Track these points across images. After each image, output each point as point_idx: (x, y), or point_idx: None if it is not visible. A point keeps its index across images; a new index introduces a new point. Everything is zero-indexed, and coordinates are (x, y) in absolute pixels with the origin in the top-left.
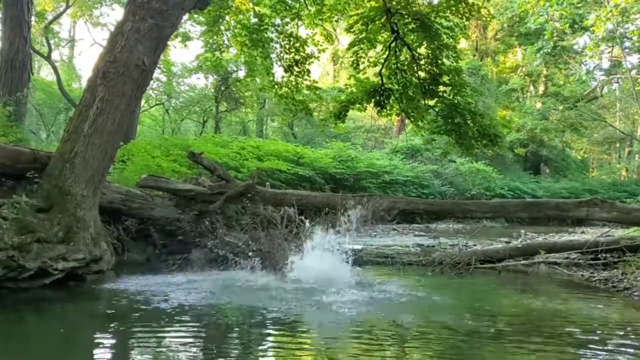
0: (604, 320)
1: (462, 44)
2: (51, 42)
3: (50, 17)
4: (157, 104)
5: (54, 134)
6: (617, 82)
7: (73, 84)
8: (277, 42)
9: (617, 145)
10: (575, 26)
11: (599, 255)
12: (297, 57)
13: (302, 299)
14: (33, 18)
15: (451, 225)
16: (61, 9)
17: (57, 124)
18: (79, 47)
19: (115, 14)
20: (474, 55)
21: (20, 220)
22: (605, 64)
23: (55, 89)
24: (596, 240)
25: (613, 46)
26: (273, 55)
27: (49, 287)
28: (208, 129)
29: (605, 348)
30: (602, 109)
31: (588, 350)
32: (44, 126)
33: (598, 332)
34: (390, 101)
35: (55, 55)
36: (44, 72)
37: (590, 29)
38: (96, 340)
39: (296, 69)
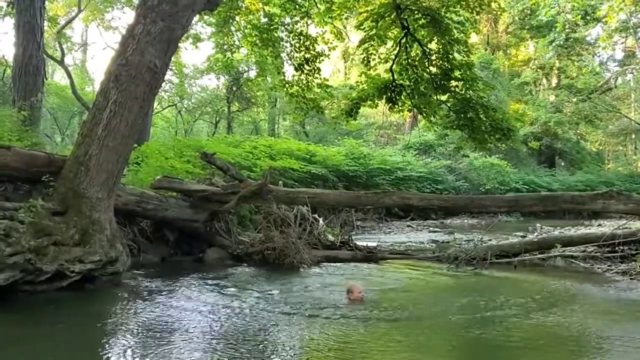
0: None
1: (473, 38)
2: (64, 46)
3: (62, 22)
4: (169, 106)
5: (68, 138)
6: (632, 73)
7: (86, 88)
8: (287, 41)
9: (633, 136)
10: (588, 17)
11: (617, 248)
12: (307, 55)
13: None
14: (46, 23)
15: (466, 221)
16: (73, 14)
17: (71, 127)
18: (91, 51)
19: (126, 17)
20: (486, 49)
21: (36, 223)
22: (619, 55)
23: (69, 93)
24: (613, 233)
25: (627, 37)
26: (283, 55)
27: (66, 289)
28: (220, 129)
29: None
30: (617, 100)
31: None
32: (59, 130)
33: None
34: (402, 97)
35: (68, 60)
36: (57, 77)
37: (603, 19)
38: (111, 342)
39: (307, 67)
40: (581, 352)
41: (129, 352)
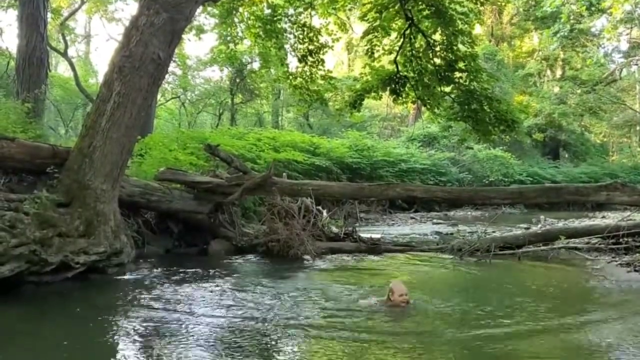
0: None
1: (478, 29)
2: (67, 38)
3: (65, 14)
4: (173, 98)
5: (72, 130)
6: (637, 64)
7: (90, 80)
8: (290, 33)
9: (638, 128)
10: (593, 8)
11: (621, 240)
12: (311, 47)
13: None
14: (49, 15)
15: (470, 213)
16: (76, 5)
17: (75, 119)
18: (94, 42)
19: (129, 9)
20: (490, 41)
21: (41, 215)
22: (624, 46)
23: (73, 85)
24: (617, 225)
25: (632, 28)
26: (287, 46)
27: (71, 280)
28: (224, 121)
29: None
30: (622, 92)
31: None
32: (62, 122)
33: None
34: (406, 89)
35: (71, 52)
36: (61, 69)
37: (608, 10)
38: (115, 335)
39: (310, 59)
40: None
41: (133, 344)
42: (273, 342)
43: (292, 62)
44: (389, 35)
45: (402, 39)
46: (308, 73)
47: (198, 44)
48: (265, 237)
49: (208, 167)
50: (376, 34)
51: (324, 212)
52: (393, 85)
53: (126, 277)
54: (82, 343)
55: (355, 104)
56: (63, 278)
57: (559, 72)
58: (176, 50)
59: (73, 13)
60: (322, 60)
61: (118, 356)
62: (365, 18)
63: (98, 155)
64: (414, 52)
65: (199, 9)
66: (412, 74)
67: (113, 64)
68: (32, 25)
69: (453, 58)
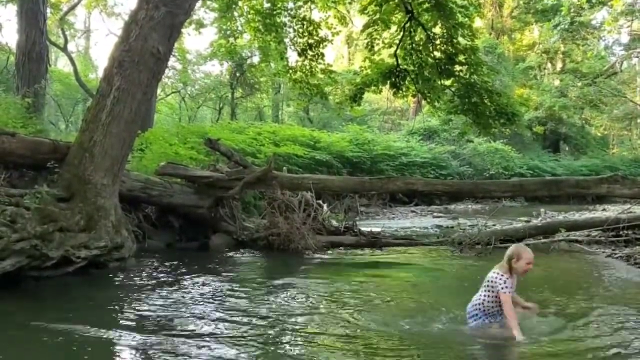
0: None
1: (478, 22)
2: (67, 33)
3: (65, 9)
4: (173, 92)
5: (72, 125)
6: (637, 57)
7: (90, 75)
8: (290, 27)
9: (638, 121)
10: (593, 0)
11: (621, 232)
12: (310, 40)
13: None
14: (48, 10)
15: (470, 206)
16: (76, 0)
17: (75, 114)
18: (94, 37)
19: (129, 3)
20: (490, 34)
21: (42, 209)
22: (625, 39)
23: (73, 80)
24: (617, 217)
25: (632, 20)
26: (287, 40)
27: (72, 274)
28: (224, 115)
29: None
30: (622, 85)
31: None
32: (63, 117)
33: None
34: (406, 82)
35: (71, 47)
36: (60, 64)
37: (609, 3)
38: (117, 330)
39: (310, 52)
40: None
41: (132, 340)
42: (270, 347)
43: (292, 56)
44: (389, 28)
45: (402, 32)
46: (308, 67)
47: (198, 38)
48: (266, 231)
49: (208, 161)
50: (376, 27)
51: (325, 206)
52: (393, 79)
53: (127, 271)
54: (81, 340)
55: (356, 97)
56: (64, 273)
57: (559, 65)
58: (176, 45)
59: (72, 8)
60: (322, 54)
61: (118, 353)
62: (365, 11)
63: (98, 149)
64: (414, 45)
65: (199, 3)
66: (412, 68)
67: (113, 58)
68: (31, 20)
69: (453, 51)
